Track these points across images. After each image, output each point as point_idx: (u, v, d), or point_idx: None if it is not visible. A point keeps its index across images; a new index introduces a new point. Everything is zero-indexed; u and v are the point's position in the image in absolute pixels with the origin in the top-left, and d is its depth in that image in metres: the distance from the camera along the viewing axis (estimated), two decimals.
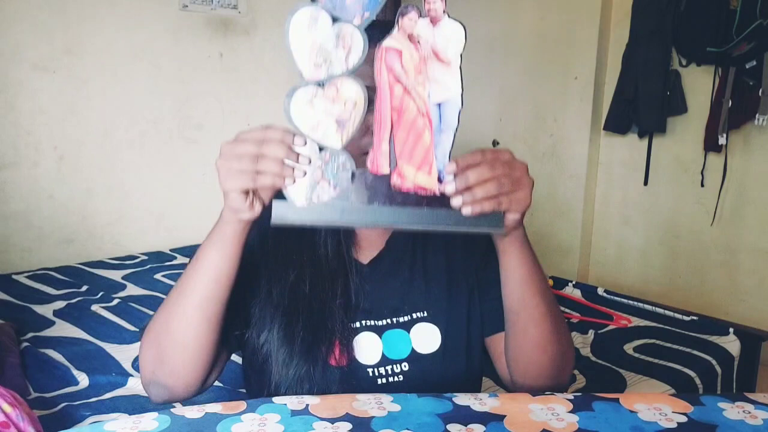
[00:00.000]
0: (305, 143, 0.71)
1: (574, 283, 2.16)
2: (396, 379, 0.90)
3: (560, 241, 3.47)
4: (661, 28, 2.88)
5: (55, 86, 2.25)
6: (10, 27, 2.14)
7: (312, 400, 0.79)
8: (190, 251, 2.46)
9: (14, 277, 2.08)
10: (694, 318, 1.85)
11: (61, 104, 2.28)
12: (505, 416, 0.77)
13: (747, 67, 2.66)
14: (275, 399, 0.81)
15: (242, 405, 0.80)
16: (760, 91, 2.62)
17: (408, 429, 0.74)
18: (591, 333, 1.77)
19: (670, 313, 1.88)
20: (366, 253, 0.94)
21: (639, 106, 3.00)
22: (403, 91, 0.72)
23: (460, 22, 0.72)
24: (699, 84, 2.88)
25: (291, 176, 0.70)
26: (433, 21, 0.72)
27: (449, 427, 0.74)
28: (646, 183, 3.12)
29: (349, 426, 0.74)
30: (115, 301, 1.87)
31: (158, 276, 2.16)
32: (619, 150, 3.25)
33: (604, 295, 2.06)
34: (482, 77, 3.66)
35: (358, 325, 0.90)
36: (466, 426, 0.74)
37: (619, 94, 3.07)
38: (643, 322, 1.85)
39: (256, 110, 2.79)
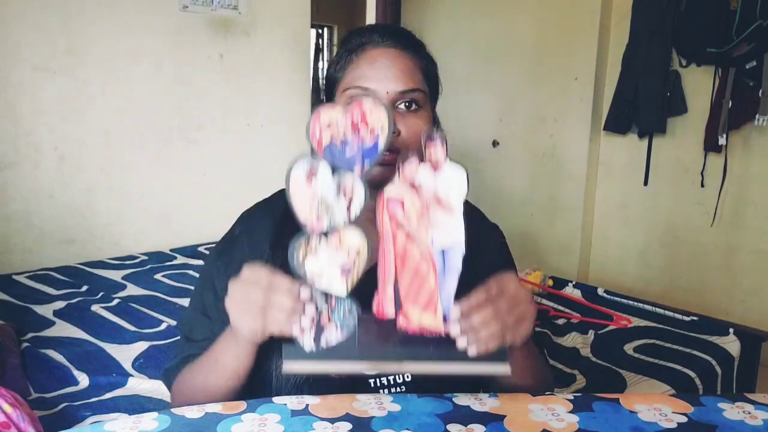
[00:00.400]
0: (311, 295, 0.73)
1: (574, 283, 2.16)
2: (398, 390, 0.90)
3: (560, 241, 3.47)
4: (661, 29, 2.88)
5: (56, 87, 2.25)
6: (10, 28, 2.14)
7: (312, 400, 0.79)
8: (190, 251, 2.47)
9: (14, 277, 2.08)
10: (694, 318, 1.85)
11: (62, 104, 2.28)
12: (505, 416, 0.77)
13: (747, 67, 2.66)
14: (275, 399, 0.81)
15: (242, 405, 0.80)
16: (760, 91, 2.62)
17: (408, 429, 0.74)
18: (591, 333, 1.77)
19: (670, 314, 1.88)
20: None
21: (639, 106, 3.00)
22: (406, 238, 0.73)
23: (463, 166, 0.73)
24: (699, 84, 2.88)
25: (298, 324, 0.73)
26: (435, 166, 0.73)
27: (449, 427, 0.74)
28: (646, 183, 3.12)
29: (349, 426, 0.75)
30: (115, 301, 1.87)
31: (158, 276, 2.16)
32: (619, 150, 3.25)
33: (604, 295, 2.06)
34: (482, 77, 3.66)
35: None
36: (466, 426, 0.74)
37: (619, 94, 3.07)
38: (643, 323, 1.84)
39: (256, 110, 2.79)
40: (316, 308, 0.74)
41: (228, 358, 0.83)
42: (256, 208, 0.98)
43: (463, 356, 0.74)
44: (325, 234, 0.73)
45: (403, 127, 0.85)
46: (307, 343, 0.74)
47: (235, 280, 0.76)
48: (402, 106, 0.86)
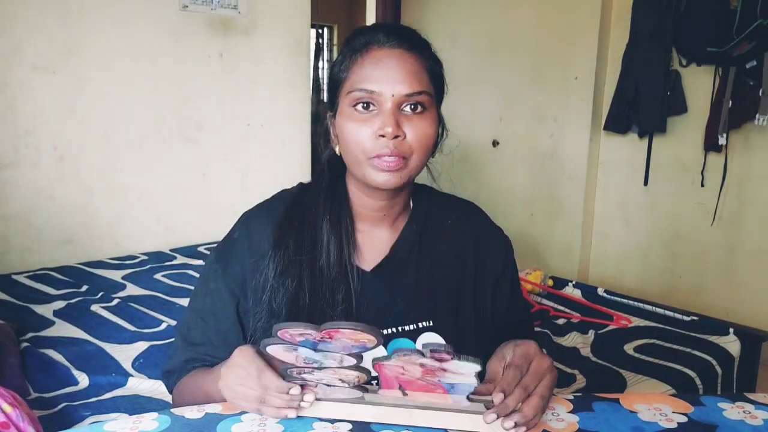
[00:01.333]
0: (300, 391, 0.73)
1: (574, 283, 2.16)
2: None
3: (560, 241, 3.47)
4: (661, 28, 2.88)
5: (55, 86, 2.25)
6: (10, 27, 2.14)
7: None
8: (190, 251, 2.46)
9: (14, 277, 2.08)
10: (694, 318, 1.84)
11: (61, 104, 2.28)
12: None
13: (747, 67, 2.66)
14: None
15: None
16: (760, 91, 2.62)
17: (408, 429, 0.74)
18: (591, 333, 1.77)
19: (670, 314, 1.88)
20: (369, 260, 0.92)
21: (639, 106, 3.00)
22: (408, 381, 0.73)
23: (477, 361, 0.69)
24: (699, 84, 2.88)
25: (293, 411, 0.74)
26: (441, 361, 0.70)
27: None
28: (646, 183, 3.12)
29: (349, 426, 0.75)
30: (115, 301, 1.87)
31: (158, 276, 2.16)
32: (619, 150, 3.25)
33: (604, 295, 2.06)
34: (482, 77, 3.66)
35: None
36: None
37: (619, 94, 3.07)
38: (643, 322, 1.84)
39: (256, 110, 2.79)
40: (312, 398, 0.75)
41: (220, 400, 0.83)
42: (256, 210, 0.97)
43: (472, 407, 0.74)
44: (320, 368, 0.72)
45: (408, 130, 0.83)
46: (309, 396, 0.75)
47: (228, 366, 0.77)
48: (407, 108, 0.84)
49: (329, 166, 0.94)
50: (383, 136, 0.82)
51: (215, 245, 0.99)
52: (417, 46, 0.88)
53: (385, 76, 0.83)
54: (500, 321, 0.95)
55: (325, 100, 0.94)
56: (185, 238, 2.59)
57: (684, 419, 0.77)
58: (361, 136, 0.83)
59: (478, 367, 0.68)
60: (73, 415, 1.23)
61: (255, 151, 2.81)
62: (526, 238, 3.55)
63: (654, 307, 1.93)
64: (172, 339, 1.59)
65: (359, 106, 0.84)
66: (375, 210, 0.92)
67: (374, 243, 0.93)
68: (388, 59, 0.84)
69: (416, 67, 0.85)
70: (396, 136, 0.82)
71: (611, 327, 1.82)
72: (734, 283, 2.91)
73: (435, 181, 0.99)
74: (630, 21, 3.00)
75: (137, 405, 1.28)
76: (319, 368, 0.71)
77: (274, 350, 0.71)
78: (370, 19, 6.28)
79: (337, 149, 0.91)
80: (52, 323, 1.70)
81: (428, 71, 0.87)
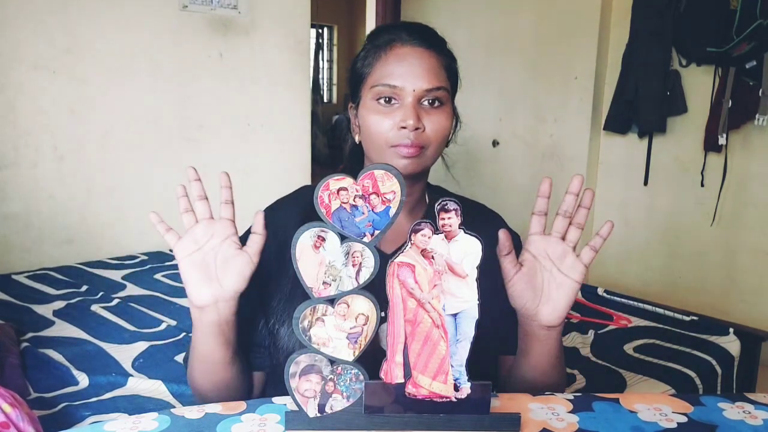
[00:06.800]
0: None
1: None
2: None
3: None
4: (661, 28, 2.88)
5: (55, 86, 2.25)
6: (10, 27, 2.14)
7: None
8: None
9: (14, 277, 2.08)
10: (694, 318, 1.84)
11: (61, 104, 2.28)
12: None
13: (747, 67, 2.66)
14: (275, 399, 0.81)
15: (242, 405, 0.80)
16: (760, 91, 2.62)
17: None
18: (591, 333, 1.76)
19: (670, 314, 1.88)
20: (390, 244, 0.96)
21: (639, 106, 3.00)
22: (416, 305, 0.72)
23: (477, 237, 0.72)
24: (699, 84, 2.88)
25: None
26: (448, 236, 0.72)
27: None
28: (646, 183, 3.12)
29: None
30: (115, 301, 1.87)
31: (158, 276, 2.16)
32: (619, 150, 3.25)
33: (604, 295, 2.06)
34: (482, 77, 3.66)
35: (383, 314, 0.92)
36: None
37: (619, 94, 3.07)
38: (643, 323, 1.84)
39: (256, 110, 2.79)
40: (322, 376, 0.73)
41: (198, 343, 0.86)
42: (281, 200, 1.03)
43: (473, 424, 0.73)
44: (332, 300, 0.72)
45: (427, 123, 0.90)
46: (311, 410, 0.73)
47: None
48: (426, 102, 0.91)
49: (350, 156, 1.02)
50: (404, 127, 0.88)
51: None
52: (436, 44, 0.94)
53: (406, 73, 0.90)
54: (510, 334, 0.99)
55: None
56: None
57: (684, 419, 0.77)
58: (384, 127, 0.90)
59: (479, 244, 0.71)
60: (73, 415, 1.23)
61: (255, 151, 2.81)
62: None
63: (654, 307, 1.93)
64: (172, 339, 1.60)
65: (382, 100, 0.91)
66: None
67: (396, 227, 0.97)
68: (410, 57, 0.91)
69: (435, 65, 0.92)
70: (416, 128, 0.89)
71: (611, 327, 1.82)
72: (734, 283, 2.91)
73: (449, 169, 1.06)
74: (630, 21, 3.00)
75: (137, 405, 1.28)
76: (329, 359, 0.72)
77: (303, 243, 0.72)
78: (370, 19, 6.28)
79: (357, 138, 0.97)
80: (52, 323, 1.70)
81: (445, 68, 0.94)
